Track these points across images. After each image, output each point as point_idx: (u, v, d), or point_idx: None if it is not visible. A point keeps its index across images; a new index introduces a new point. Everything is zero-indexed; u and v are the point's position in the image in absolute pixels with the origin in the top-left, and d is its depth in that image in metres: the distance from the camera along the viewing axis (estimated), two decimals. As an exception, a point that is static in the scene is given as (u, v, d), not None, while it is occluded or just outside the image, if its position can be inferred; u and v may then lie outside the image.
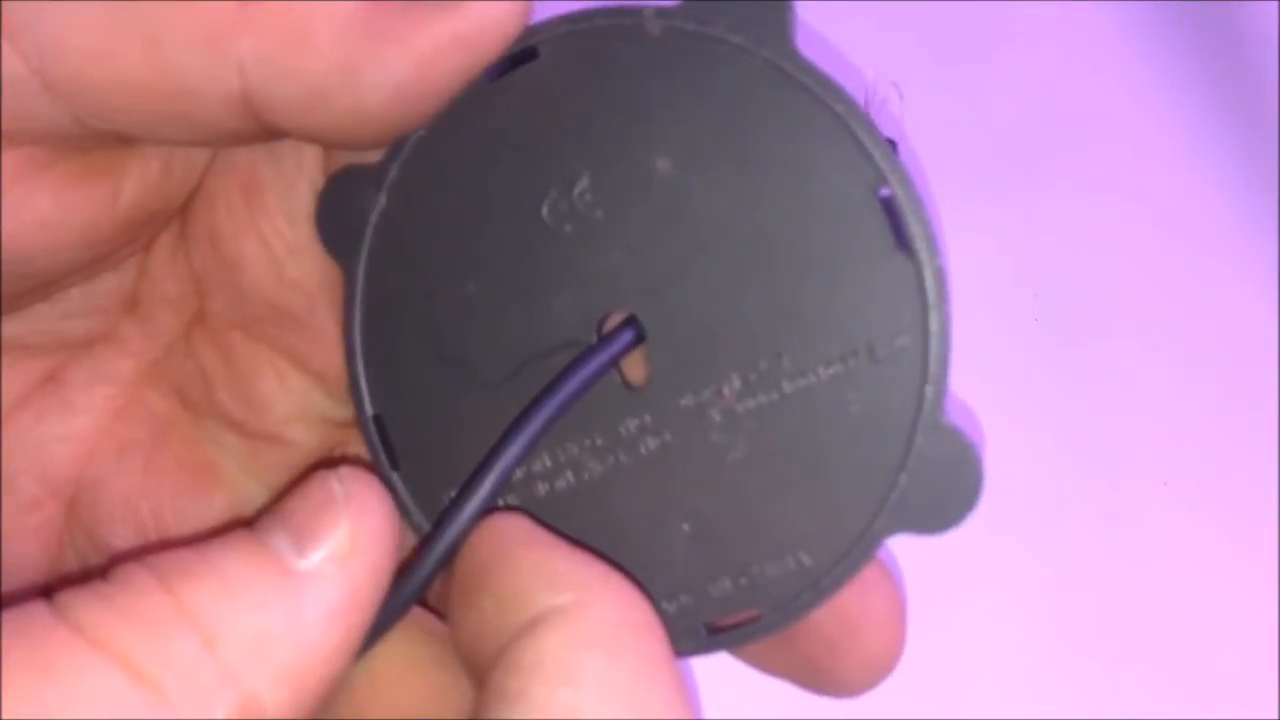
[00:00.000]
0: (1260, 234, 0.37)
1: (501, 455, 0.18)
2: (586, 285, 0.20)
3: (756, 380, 0.19)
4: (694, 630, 0.20)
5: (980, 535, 0.21)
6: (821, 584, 0.19)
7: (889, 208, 0.19)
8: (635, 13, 0.19)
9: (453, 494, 0.19)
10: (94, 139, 0.19)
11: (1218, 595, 0.34)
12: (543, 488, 0.20)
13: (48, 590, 0.15)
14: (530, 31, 0.19)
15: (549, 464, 0.20)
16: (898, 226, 0.19)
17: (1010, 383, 0.35)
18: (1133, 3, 0.39)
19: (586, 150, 0.19)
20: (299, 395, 0.22)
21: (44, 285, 0.21)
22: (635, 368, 0.20)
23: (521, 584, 0.17)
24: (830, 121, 0.19)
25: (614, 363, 0.19)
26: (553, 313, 0.20)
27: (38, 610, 0.15)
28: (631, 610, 0.17)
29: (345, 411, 0.22)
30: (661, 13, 0.19)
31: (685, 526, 0.19)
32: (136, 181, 0.20)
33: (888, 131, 0.19)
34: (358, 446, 0.22)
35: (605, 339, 0.19)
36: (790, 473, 0.19)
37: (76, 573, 0.23)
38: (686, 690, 0.16)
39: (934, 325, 0.19)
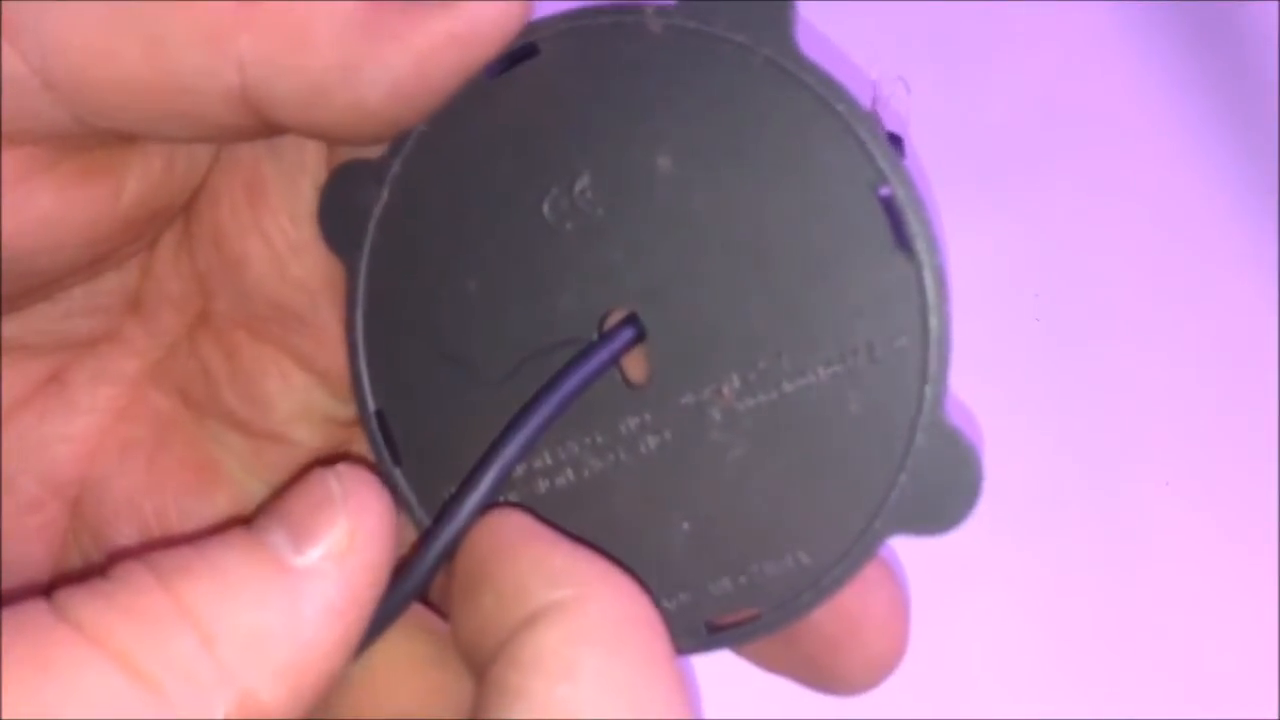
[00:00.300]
0: (1260, 234, 0.37)
1: (502, 452, 0.18)
2: (587, 283, 0.20)
3: (756, 379, 0.19)
4: (694, 628, 0.20)
5: (980, 535, 0.21)
6: (822, 583, 0.19)
7: (889, 207, 0.19)
8: (636, 10, 0.19)
9: (454, 490, 0.19)
10: (95, 137, 0.19)
11: (1218, 595, 0.34)
12: (543, 485, 0.20)
13: (48, 588, 0.15)
14: (531, 28, 0.19)
15: (549, 461, 0.20)
16: (898, 226, 0.19)
17: (1010, 383, 0.35)
18: (1133, 3, 0.39)
19: (587, 148, 0.20)
20: (302, 394, 0.22)
21: (46, 285, 0.21)
22: (635, 366, 0.20)
23: (521, 580, 0.17)
24: (831, 120, 0.19)
25: (614, 361, 0.19)
26: (553, 310, 0.20)
27: (37, 608, 0.15)
28: (631, 606, 0.17)
29: (348, 411, 0.22)
30: (663, 10, 0.19)
31: (685, 525, 0.20)
32: (138, 180, 0.20)
33: (893, 128, 0.19)
34: (361, 446, 0.22)
35: (605, 337, 0.19)
36: (790, 472, 0.19)
37: (77, 571, 0.23)
38: (686, 687, 0.16)
39: (934, 325, 0.19)
